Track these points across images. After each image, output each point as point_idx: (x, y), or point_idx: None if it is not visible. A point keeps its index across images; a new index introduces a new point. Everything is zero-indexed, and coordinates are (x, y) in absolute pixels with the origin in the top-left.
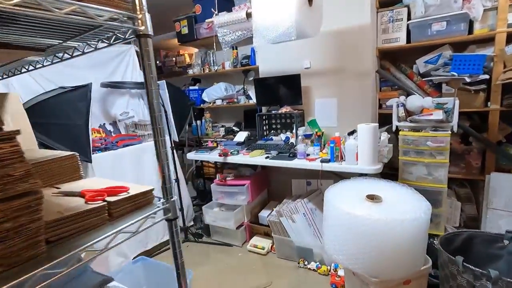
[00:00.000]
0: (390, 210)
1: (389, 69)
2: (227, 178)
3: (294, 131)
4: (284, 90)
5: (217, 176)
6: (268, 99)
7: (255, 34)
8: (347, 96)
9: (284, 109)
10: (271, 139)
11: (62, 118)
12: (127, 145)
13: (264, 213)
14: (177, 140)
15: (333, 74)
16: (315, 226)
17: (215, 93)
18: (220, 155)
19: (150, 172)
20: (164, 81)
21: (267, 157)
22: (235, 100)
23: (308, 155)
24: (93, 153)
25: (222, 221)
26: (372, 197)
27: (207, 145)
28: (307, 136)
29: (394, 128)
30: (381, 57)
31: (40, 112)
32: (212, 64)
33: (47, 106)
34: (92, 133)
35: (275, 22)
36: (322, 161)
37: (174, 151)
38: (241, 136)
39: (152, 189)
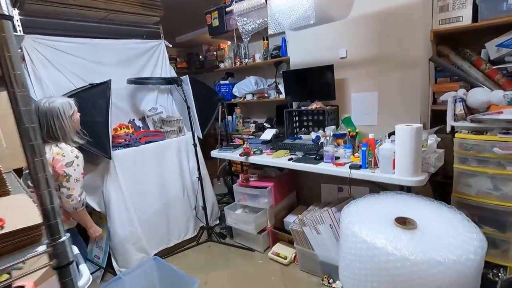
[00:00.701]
0: (426, 243)
1: (448, 55)
2: (250, 179)
3: (325, 129)
4: (316, 83)
5: (240, 176)
6: (298, 94)
7: (270, 20)
8: (391, 89)
9: (315, 105)
10: (300, 138)
11: (82, 115)
12: (150, 142)
13: (290, 219)
14: (201, 137)
15: (373, 64)
16: None
17: (245, 88)
18: (241, 155)
19: (172, 169)
20: (187, 76)
21: (290, 159)
22: (265, 94)
23: (337, 158)
24: (115, 150)
25: (243, 224)
26: (403, 221)
27: (234, 142)
28: (339, 136)
29: (448, 129)
30: (438, 41)
31: None
32: (243, 57)
33: None
34: (120, 129)
35: (291, 4)
36: (351, 167)
37: (198, 147)
38: (268, 134)
39: (40, 224)
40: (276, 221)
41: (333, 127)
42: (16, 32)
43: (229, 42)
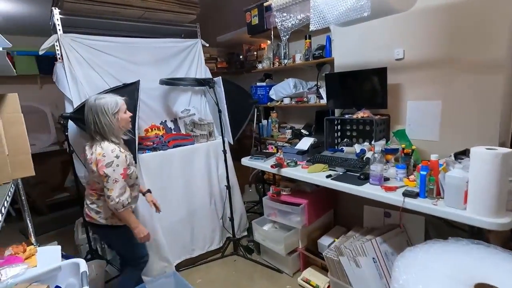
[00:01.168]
0: None
1: None
2: (282, 193)
3: (373, 142)
4: (364, 88)
5: (270, 188)
6: (342, 100)
7: (313, 14)
8: (460, 98)
9: (362, 113)
10: (341, 151)
11: None
12: (178, 146)
13: (324, 241)
14: (232, 142)
15: (438, 66)
16: (388, 278)
17: (282, 91)
18: (272, 166)
19: (200, 176)
20: (221, 77)
21: (328, 176)
22: (305, 99)
23: (386, 179)
24: (142, 153)
25: (272, 242)
26: None
27: (267, 149)
28: (389, 152)
29: None
30: None
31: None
32: (282, 57)
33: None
34: (151, 130)
35: None
36: (405, 194)
37: (228, 153)
38: (305, 143)
39: None
40: (309, 242)
41: (383, 141)
42: (57, 31)
43: (269, 42)
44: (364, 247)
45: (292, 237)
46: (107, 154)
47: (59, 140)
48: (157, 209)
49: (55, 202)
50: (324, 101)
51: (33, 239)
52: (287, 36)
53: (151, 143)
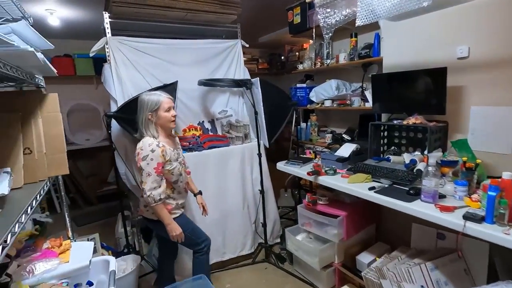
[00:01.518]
0: None
1: None
2: (319, 202)
3: (426, 152)
4: (417, 91)
5: (306, 196)
6: (390, 103)
7: (361, 7)
8: None
9: (414, 120)
10: (388, 160)
11: None
12: (213, 147)
13: (364, 258)
14: (267, 145)
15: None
16: None
17: (323, 92)
18: (309, 174)
19: (234, 178)
20: (258, 78)
21: (371, 188)
22: (348, 101)
23: (442, 197)
24: None
25: (305, 254)
26: None
27: (305, 154)
28: (446, 165)
29: None
30: None
31: (128, 109)
32: (324, 57)
33: (134, 104)
34: (189, 130)
35: None
36: (467, 218)
37: (264, 157)
38: (347, 149)
39: None
40: (347, 257)
41: (438, 152)
42: (106, 34)
43: (311, 41)
44: (411, 272)
45: (328, 250)
46: (144, 147)
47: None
48: (204, 212)
49: (104, 193)
50: (369, 105)
51: (69, 233)
52: (330, 34)
53: (187, 144)
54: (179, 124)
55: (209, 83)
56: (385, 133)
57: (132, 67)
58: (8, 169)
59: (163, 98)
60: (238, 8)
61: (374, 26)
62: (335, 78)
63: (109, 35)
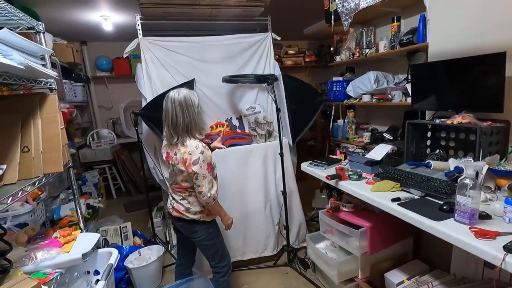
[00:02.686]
0: None
1: None
2: (342, 209)
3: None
4: (468, 83)
5: (329, 201)
6: (433, 99)
7: None
8: None
9: (460, 118)
10: (427, 165)
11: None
12: (234, 145)
13: (394, 277)
14: (291, 145)
15: None
16: None
17: (361, 86)
18: (328, 178)
19: (255, 178)
20: (281, 73)
21: (395, 199)
22: (388, 96)
23: (486, 217)
24: None
25: (325, 264)
26: None
27: (335, 154)
28: (502, 175)
29: None
30: None
31: (152, 107)
32: (364, 47)
33: (155, 102)
34: (216, 127)
35: None
36: (509, 249)
37: (288, 156)
38: (380, 151)
39: None
40: (373, 273)
41: (493, 157)
42: (138, 35)
43: (351, 30)
44: None
45: (349, 264)
46: (192, 151)
47: None
48: None
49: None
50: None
51: (81, 224)
52: (350, 20)
53: (209, 141)
54: (206, 120)
55: (232, 80)
56: (429, 134)
57: (161, 65)
58: (4, 166)
59: (194, 91)
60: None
61: (420, 8)
62: (377, 70)
63: (140, 36)
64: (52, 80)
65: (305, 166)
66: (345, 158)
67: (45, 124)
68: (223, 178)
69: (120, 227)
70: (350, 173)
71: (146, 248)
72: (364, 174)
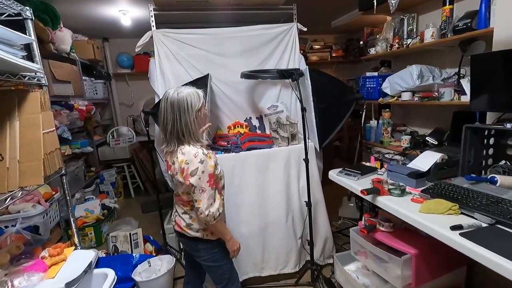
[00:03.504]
0: None
1: None
2: (379, 228)
3: None
4: None
5: (363, 217)
6: (500, 98)
7: None
8: None
9: None
10: (492, 181)
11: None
12: (253, 148)
13: None
14: (318, 149)
15: None
16: None
17: (401, 82)
18: (364, 192)
19: (276, 186)
20: (307, 67)
21: (456, 228)
22: (435, 94)
23: None
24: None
25: None
26: None
27: (369, 161)
28: None
29: None
30: None
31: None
32: (405, 36)
33: None
34: (234, 128)
35: None
36: None
37: (313, 163)
38: (426, 159)
39: None
40: None
41: None
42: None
43: (389, 18)
44: None
45: None
46: (190, 160)
47: None
48: None
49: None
50: (466, 98)
51: (75, 240)
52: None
53: (225, 144)
54: (224, 120)
55: (252, 75)
56: (491, 141)
57: (175, 60)
58: None
59: (199, 90)
60: None
61: None
62: (420, 63)
63: (153, 28)
64: (42, 75)
65: (334, 175)
66: (382, 167)
67: (24, 127)
68: (240, 185)
69: (130, 233)
70: (390, 187)
71: (157, 258)
72: (407, 188)
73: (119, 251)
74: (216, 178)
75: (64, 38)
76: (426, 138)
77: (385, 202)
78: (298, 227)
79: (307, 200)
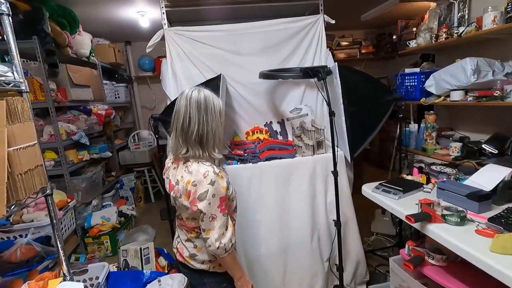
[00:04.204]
0: None
1: None
2: (428, 260)
3: None
4: None
5: (406, 246)
6: None
7: None
8: None
9: None
10: None
11: None
12: (273, 158)
13: None
14: (350, 160)
15: None
16: None
17: (450, 79)
18: (409, 219)
19: (299, 201)
20: (336, 64)
21: None
22: (496, 92)
23: None
24: (228, 164)
25: None
26: None
27: (409, 173)
28: None
29: None
30: None
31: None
32: (455, 24)
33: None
34: (252, 133)
35: None
36: None
37: (341, 175)
38: (489, 174)
39: None
40: None
41: None
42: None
43: (433, 5)
44: None
45: None
46: (198, 181)
47: None
48: None
49: None
50: None
51: (64, 269)
52: None
53: (241, 152)
54: (241, 125)
55: (271, 74)
56: None
57: (188, 60)
58: None
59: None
60: None
61: None
62: (468, 58)
63: (165, 26)
64: (21, 80)
65: (370, 192)
66: (428, 181)
67: None
68: (257, 200)
69: (141, 248)
70: (445, 212)
71: (168, 276)
72: (468, 214)
73: (130, 266)
74: (228, 200)
75: (83, 42)
76: (483, 145)
77: (440, 233)
78: (325, 249)
79: (335, 218)
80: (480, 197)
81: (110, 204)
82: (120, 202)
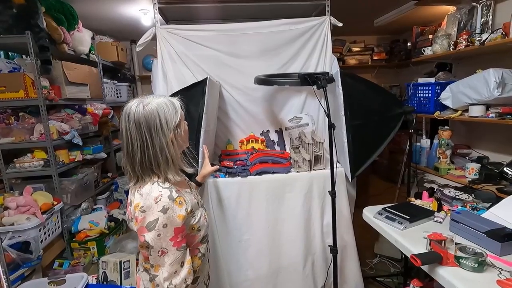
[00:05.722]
0: None
1: None
2: None
3: None
4: None
5: (411, 285)
6: None
7: None
8: None
9: None
10: None
11: None
12: (264, 172)
13: None
14: (350, 180)
15: None
16: None
17: (469, 93)
18: (415, 260)
19: (292, 222)
20: (339, 70)
21: None
22: None
23: None
24: (215, 177)
25: None
26: None
27: (418, 196)
28: None
29: None
30: None
31: None
32: (476, 30)
33: None
34: (247, 142)
35: None
36: None
37: (340, 196)
38: None
39: None
40: None
41: None
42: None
43: (452, 9)
44: None
45: None
46: (147, 207)
47: None
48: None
49: None
50: None
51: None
52: None
53: (231, 163)
54: (236, 133)
55: (266, 80)
56: None
57: (180, 61)
58: None
59: (174, 99)
60: None
61: None
62: (492, 68)
63: (157, 24)
64: None
65: (371, 217)
66: (440, 208)
67: None
68: (246, 218)
69: (121, 261)
70: (459, 253)
71: None
72: (488, 257)
73: (108, 280)
74: (192, 230)
75: (83, 39)
76: (504, 169)
77: (452, 280)
78: (320, 275)
79: (332, 244)
80: (503, 237)
81: (101, 208)
82: (113, 205)
